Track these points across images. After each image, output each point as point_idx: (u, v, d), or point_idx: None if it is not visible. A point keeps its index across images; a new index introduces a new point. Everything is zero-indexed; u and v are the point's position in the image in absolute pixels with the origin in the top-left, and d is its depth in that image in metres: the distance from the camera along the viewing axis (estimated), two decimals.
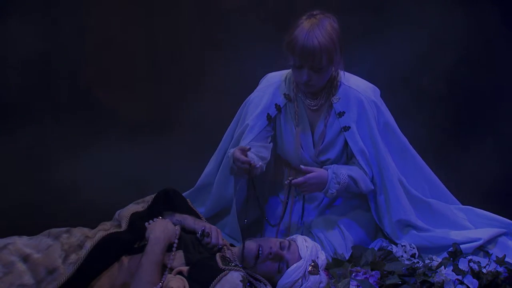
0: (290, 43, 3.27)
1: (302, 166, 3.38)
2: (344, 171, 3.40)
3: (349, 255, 3.38)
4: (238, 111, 3.64)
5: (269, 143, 3.51)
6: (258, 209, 3.42)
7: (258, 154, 3.40)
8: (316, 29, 3.24)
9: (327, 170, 3.40)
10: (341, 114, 3.46)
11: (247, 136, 3.50)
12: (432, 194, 3.66)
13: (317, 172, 3.37)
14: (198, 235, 3.19)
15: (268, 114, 3.49)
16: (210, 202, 3.71)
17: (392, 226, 3.53)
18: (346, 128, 3.46)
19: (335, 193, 3.39)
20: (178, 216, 3.27)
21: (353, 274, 3.19)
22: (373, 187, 3.50)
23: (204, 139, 4.20)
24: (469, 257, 3.31)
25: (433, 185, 3.67)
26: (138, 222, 3.13)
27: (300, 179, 3.33)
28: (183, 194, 3.58)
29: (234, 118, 3.66)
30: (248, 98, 3.60)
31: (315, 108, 3.49)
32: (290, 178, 3.36)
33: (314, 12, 3.31)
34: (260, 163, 3.33)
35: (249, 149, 3.33)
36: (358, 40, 4.38)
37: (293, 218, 3.57)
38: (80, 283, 2.95)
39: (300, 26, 3.27)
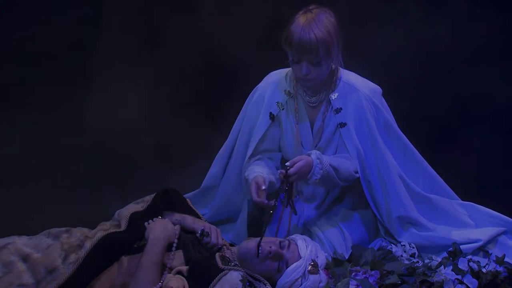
0: (287, 38, 3.28)
1: (287, 163, 3.34)
2: (325, 159, 3.38)
3: (348, 255, 3.38)
4: (242, 109, 3.65)
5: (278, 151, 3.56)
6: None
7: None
8: (312, 22, 3.26)
9: (310, 156, 3.36)
10: (338, 111, 3.47)
11: (254, 137, 3.52)
12: (432, 191, 3.66)
13: (304, 159, 3.33)
14: (197, 235, 3.20)
15: (270, 113, 3.50)
16: (215, 206, 3.73)
17: (393, 223, 3.53)
18: (342, 125, 3.47)
19: (319, 179, 3.35)
20: (178, 216, 3.27)
21: (353, 274, 3.19)
22: (354, 178, 3.48)
23: None
24: (469, 257, 3.30)
25: (433, 182, 3.67)
26: (138, 222, 3.13)
27: (292, 169, 3.29)
28: (187, 196, 3.60)
29: (239, 116, 3.66)
30: (251, 95, 3.61)
31: (314, 105, 3.50)
32: (283, 170, 3.30)
33: (310, 7, 3.33)
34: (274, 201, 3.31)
35: (264, 189, 3.32)
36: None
37: (292, 218, 3.56)
38: (79, 282, 2.95)
39: (296, 21, 3.29)
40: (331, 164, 3.37)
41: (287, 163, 3.33)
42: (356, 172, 3.48)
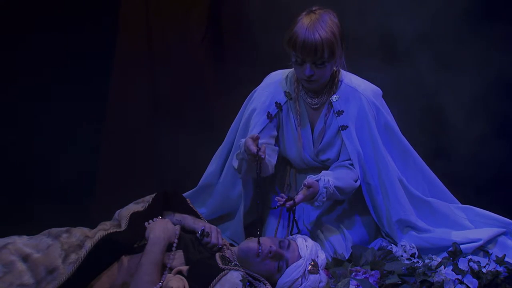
0: (291, 39, 3.27)
1: (305, 181, 3.33)
2: (331, 182, 3.35)
3: (349, 255, 3.38)
4: (241, 109, 3.65)
5: (275, 145, 3.52)
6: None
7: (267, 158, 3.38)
8: (316, 23, 3.25)
9: (318, 182, 3.35)
10: (339, 113, 3.47)
11: (250, 134, 3.50)
12: (431, 194, 3.65)
13: (313, 188, 3.32)
14: (198, 235, 3.20)
15: (268, 112, 3.50)
16: (213, 204, 3.71)
17: (392, 226, 3.53)
18: (344, 127, 3.47)
19: (321, 205, 3.38)
20: (178, 216, 3.27)
21: (353, 274, 3.19)
22: (356, 186, 3.46)
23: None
24: (469, 257, 3.31)
25: (432, 185, 3.67)
26: (138, 222, 3.13)
27: (300, 197, 3.29)
28: (184, 195, 3.60)
29: (237, 117, 3.66)
30: (250, 95, 3.61)
31: (316, 106, 3.49)
32: (291, 201, 3.28)
33: (313, 8, 3.33)
34: (269, 159, 3.30)
35: (258, 137, 3.24)
36: None
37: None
38: (80, 282, 2.96)
39: (300, 22, 3.28)
40: (337, 186, 3.36)
41: (305, 182, 3.30)
42: (356, 181, 3.47)
